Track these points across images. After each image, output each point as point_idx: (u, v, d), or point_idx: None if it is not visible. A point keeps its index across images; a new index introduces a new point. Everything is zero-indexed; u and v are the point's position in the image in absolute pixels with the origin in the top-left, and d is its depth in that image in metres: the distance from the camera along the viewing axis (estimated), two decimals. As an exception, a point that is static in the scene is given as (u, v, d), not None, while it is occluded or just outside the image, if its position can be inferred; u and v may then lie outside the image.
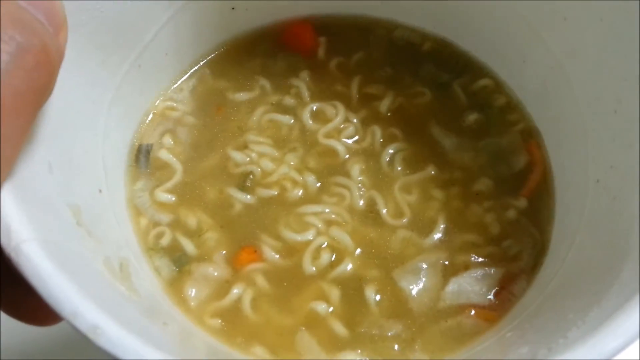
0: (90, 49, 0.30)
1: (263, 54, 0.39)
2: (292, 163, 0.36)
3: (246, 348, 0.31)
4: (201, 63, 0.38)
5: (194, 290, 0.32)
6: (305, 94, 0.37)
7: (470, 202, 0.35)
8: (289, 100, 0.37)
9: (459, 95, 0.38)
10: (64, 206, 0.25)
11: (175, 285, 0.32)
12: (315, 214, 0.34)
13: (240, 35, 0.39)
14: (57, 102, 0.26)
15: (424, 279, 0.33)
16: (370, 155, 0.36)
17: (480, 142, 0.37)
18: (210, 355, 0.29)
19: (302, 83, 0.38)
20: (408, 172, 0.36)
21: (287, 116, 0.37)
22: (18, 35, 0.19)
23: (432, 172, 0.35)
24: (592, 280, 0.27)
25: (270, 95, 0.38)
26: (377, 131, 0.36)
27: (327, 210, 0.34)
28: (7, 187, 0.21)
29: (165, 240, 0.33)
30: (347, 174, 0.35)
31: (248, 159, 0.36)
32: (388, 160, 0.36)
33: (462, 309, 0.32)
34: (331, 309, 0.32)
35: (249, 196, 0.35)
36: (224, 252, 0.33)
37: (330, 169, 0.36)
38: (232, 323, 0.31)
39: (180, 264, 0.33)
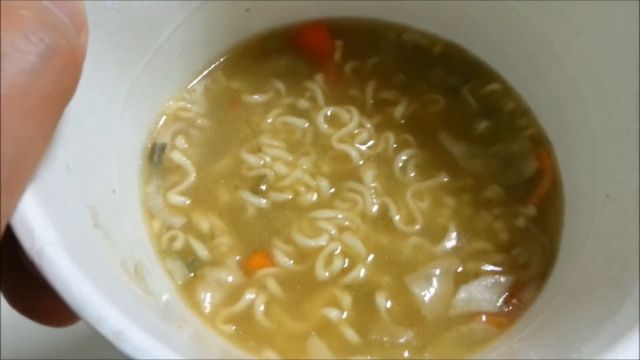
0: (107, 49, 0.30)
1: (277, 56, 0.38)
2: (305, 167, 0.35)
3: (258, 352, 0.31)
4: (215, 64, 0.38)
5: (207, 294, 0.32)
6: (320, 97, 0.37)
7: (481, 209, 0.35)
8: (303, 104, 0.37)
9: (470, 101, 0.38)
10: (82, 208, 0.25)
11: (189, 288, 0.32)
12: (328, 219, 0.34)
13: (254, 37, 0.38)
14: (75, 103, 0.26)
15: (436, 285, 0.33)
16: (383, 161, 0.36)
17: (490, 149, 0.37)
18: (223, 357, 0.29)
19: (316, 86, 0.38)
20: (420, 178, 0.36)
21: (302, 119, 0.37)
22: (46, 37, 0.19)
23: (445, 179, 0.36)
24: (604, 294, 0.27)
25: (285, 97, 0.37)
26: (391, 137, 0.36)
27: (340, 215, 0.34)
28: (29, 190, 0.21)
29: (178, 244, 0.33)
30: (360, 180, 0.35)
31: (262, 162, 0.35)
32: (401, 167, 0.36)
33: (472, 316, 0.32)
34: (344, 315, 0.32)
35: (263, 200, 0.34)
36: (238, 257, 0.33)
37: (344, 174, 0.36)
38: (245, 328, 0.31)
39: (193, 267, 0.33)
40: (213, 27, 0.36)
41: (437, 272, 0.33)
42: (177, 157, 0.35)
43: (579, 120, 0.34)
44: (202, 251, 0.33)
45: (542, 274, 0.34)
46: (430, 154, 0.36)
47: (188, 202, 0.34)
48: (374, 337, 0.31)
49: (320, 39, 0.38)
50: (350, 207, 0.35)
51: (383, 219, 0.35)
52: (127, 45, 0.31)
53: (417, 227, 0.34)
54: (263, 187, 0.35)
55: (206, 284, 0.32)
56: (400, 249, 0.34)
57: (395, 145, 0.36)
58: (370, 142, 0.36)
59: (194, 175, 0.35)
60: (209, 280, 0.32)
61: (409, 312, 0.32)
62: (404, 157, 0.36)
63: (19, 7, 0.19)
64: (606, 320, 0.24)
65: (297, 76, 0.38)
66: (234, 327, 0.31)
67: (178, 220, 0.34)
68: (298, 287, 0.33)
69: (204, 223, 0.34)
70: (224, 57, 0.38)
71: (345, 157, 0.36)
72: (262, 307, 0.32)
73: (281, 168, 0.35)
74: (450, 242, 0.34)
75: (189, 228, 0.34)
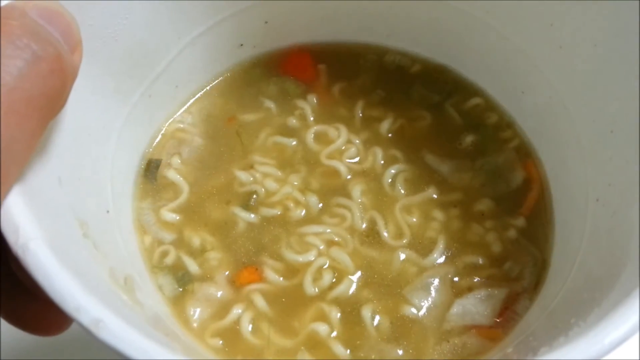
0: (103, 75, 0.31)
1: (267, 79, 0.40)
2: (295, 183, 0.36)
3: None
4: (209, 87, 0.39)
5: (197, 310, 0.32)
6: (309, 116, 0.38)
7: (471, 222, 0.35)
8: (293, 122, 0.38)
9: (454, 116, 0.38)
10: (71, 218, 0.26)
11: (178, 304, 0.32)
12: (317, 234, 0.34)
13: (245, 64, 0.40)
14: (70, 122, 0.27)
15: (434, 295, 0.33)
16: (371, 176, 0.37)
17: (477, 162, 0.37)
18: None
19: (307, 105, 0.39)
20: (409, 193, 0.36)
21: (291, 139, 0.38)
22: (33, 44, 0.20)
23: (434, 195, 0.36)
24: (595, 290, 0.26)
25: (276, 117, 0.39)
26: (379, 152, 0.37)
27: (328, 230, 0.35)
28: (16, 190, 0.22)
29: (169, 259, 0.34)
30: (348, 195, 0.36)
31: (252, 178, 0.36)
32: (390, 182, 0.36)
33: (466, 329, 0.32)
34: (334, 333, 0.32)
35: (252, 215, 0.35)
36: (227, 272, 0.34)
37: (332, 189, 0.36)
38: (232, 343, 0.31)
39: (183, 282, 0.33)
40: (208, 60, 0.38)
41: (435, 281, 0.33)
42: (171, 175, 0.36)
43: (564, 129, 0.34)
44: (192, 267, 0.34)
45: (535, 285, 0.33)
46: (419, 168, 0.37)
47: (181, 218, 0.35)
48: (362, 354, 0.31)
49: (304, 65, 0.40)
50: (339, 222, 0.35)
51: (371, 234, 0.35)
52: (123, 73, 0.33)
53: (405, 240, 0.34)
54: (252, 203, 0.36)
55: (196, 300, 0.33)
56: (389, 263, 0.34)
57: (382, 162, 0.37)
58: (358, 158, 0.37)
59: (187, 192, 0.36)
60: (199, 296, 0.33)
61: (399, 328, 0.32)
62: (392, 171, 0.36)
63: (8, 18, 0.20)
64: (594, 307, 0.24)
65: (288, 95, 0.39)
66: (220, 342, 0.31)
67: (169, 236, 0.35)
68: (287, 303, 0.33)
69: (195, 239, 0.34)
70: (218, 80, 0.40)
71: (334, 173, 0.37)
72: (249, 322, 0.32)
73: (271, 184, 0.36)
74: (440, 256, 0.34)
75: (180, 243, 0.34)
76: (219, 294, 0.33)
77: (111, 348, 0.20)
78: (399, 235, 0.35)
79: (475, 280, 0.33)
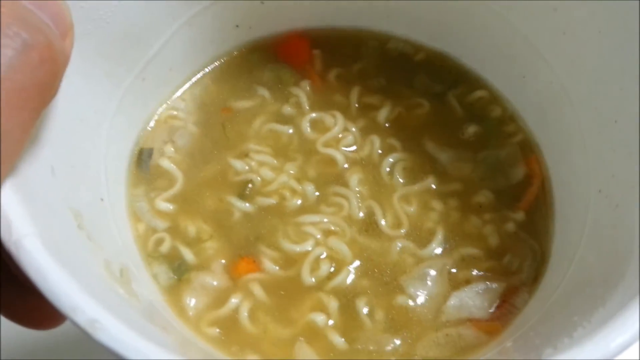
0: (95, 58, 0.30)
1: (263, 65, 0.39)
2: (291, 172, 0.36)
3: (242, 357, 0.30)
4: (203, 73, 0.39)
5: (193, 300, 0.32)
6: (305, 103, 0.38)
7: (470, 214, 0.35)
8: (288, 109, 0.38)
9: (455, 106, 0.38)
10: (65, 209, 0.25)
11: (174, 293, 0.32)
12: (314, 223, 0.34)
13: (241, 49, 0.39)
14: (61, 109, 0.27)
15: (430, 286, 0.32)
16: (368, 165, 0.36)
17: (478, 154, 0.37)
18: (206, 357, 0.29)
19: (302, 92, 0.38)
20: (408, 182, 0.36)
21: (287, 126, 0.37)
22: (23, 32, 0.19)
23: (433, 185, 0.35)
24: (596, 285, 0.27)
25: (270, 104, 0.38)
26: (376, 141, 0.36)
27: (325, 220, 0.34)
28: (9, 183, 0.21)
29: (164, 248, 0.33)
30: (345, 184, 0.35)
31: (247, 167, 0.36)
32: (388, 171, 0.36)
33: (462, 322, 0.32)
34: (330, 321, 0.31)
35: (248, 205, 0.35)
36: (223, 261, 0.33)
37: (329, 178, 0.36)
38: (229, 332, 0.31)
39: (179, 272, 0.33)
40: (203, 42, 0.37)
41: (432, 272, 0.33)
42: (165, 163, 0.36)
43: (567, 119, 0.34)
44: (188, 256, 0.33)
45: (534, 278, 0.33)
46: (418, 157, 0.36)
47: (175, 207, 0.35)
48: (359, 346, 0.31)
49: (299, 50, 0.39)
50: (336, 212, 0.35)
51: (369, 223, 0.34)
52: (116, 56, 0.32)
53: (403, 230, 0.34)
54: (248, 192, 0.35)
55: (192, 289, 0.32)
56: (387, 252, 0.33)
57: (380, 151, 0.36)
58: (355, 146, 0.37)
59: (182, 181, 0.35)
60: (195, 285, 0.32)
61: (396, 318, 0.32)
62: (391, 160, 0.36)
63: None
64: (598, 307, 0.23)
65: (282, 83, 0.38)
66: (218, 330, 0.31)
67: (162, 224, 0.34)
68: (284, 293, 0.32)
69: (191, 228, 0.34)
70: (212, 65, 0.39)
71: (331, 161, 0.36)
72: (246, 312, 0.31)
73: (267, 173, 0.35)
74: (438, 246, 0.34)
75: (176, 232, 0.34)
76: (215, 283, 0.33)
77: (107, 349, 0.20)
78: (397, 225, 0.34)
79: (474, 272, 0.33)
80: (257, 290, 0.32)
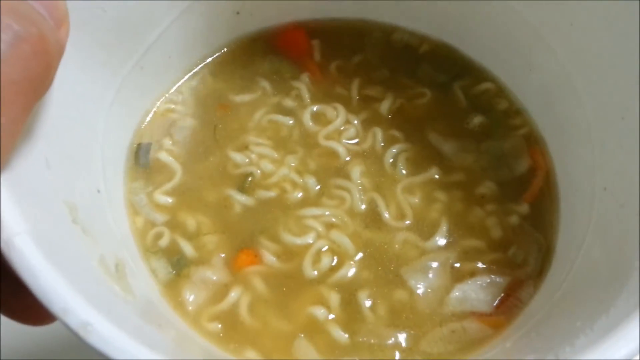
0: (92, 47, 0.30)
1: (263, 56, 0.38)
2: (292, 165, 0.35)
3: (241, 352, 0.30)
4: (202, 65, 0.38)
5: (192, 295, 0.31)
6: (306, 95, 0.37)
7: (473, 205, 0.34)
8: (289, 102, 0.37)
9: (459, 97, 0.37)
10: (60, 203, 0.25)
11: (173, 288, 0.32)
12: (315, 216, 0.34)
13: (241, 38, 0.39)
14: (57, 99, 0.26)
15: (432, 278, 0.32)
16: (371, 157, 0.36)
17: (482, 145, 0.36)
18: (205, 357, 0.29)
19: (302, 85, 0.37)
20: (411, 173, 0.35)
21: (288, 117, 0.37)
22: (15, 24, 0.19)
23: (436, 175, 0.35)
24: (600, 288, 0.26)
25: (271, 96, 0.37)
26: (378, 133, 0.36)
27: (327, 213, 0.34)
28: (1, 179, 0.21)
29: (163, 242, 0.33)
30: (347, 176, 0.35)
31: (247, 160, 0.35)
32: (391, 162, 0.35)
33: (465, 316, 0.31)
34: (331, 315, 0.31)
35: (248, 198, 0.34)
36: (223, 255, 0.33)
37: (331, 171, 0.35)
38: (230, 327, 0.31)
39: (178, 267, 0.32)
40: (202, 30, 0.37)
41: (434, 265, 0.32)
42: (164, 157, 0.35)
43: (574, 114, 0.33)
44: (188, 250, 0.33)
45: (540, 272, 0.33)
46: (421, 148, 0.36)
47: (174, 201, 0.34)
48: (361, 339, 0.31)
49: (297, 41, 0.38)
50: (338, 204, 0.34)
51: (372, 215, 0.34)
52: (114, 45, 0.31)
53: (407, 222, 0.34)
54: (248, 185, 0.35)
55: (192, 284, 0.32)
56: (390, 245, 0.33)
57: (383, 143, 0.36)
58: (357, 139, 0.36)
59: (180, 174, 0.35)
60: (195, 280, 0.32)
61: (399, 312, 0.31)
62: (394, 150, 0.35)
63: None
64: (601, 313, 0.23)
65: (282, 76, 0.38)
66: (219, 325, 0.31)
67: (160, 217, 0.34)
68: (285, 286, 0.32)
69: (191, 221, 0.33)
70: (211, 58, 0.38)
71: (332, 154, 0.36)
72: (246, 305, 0.31)
73: (267, 166, 0.35)
74: (442, 238, 0.33)
75: (175, 226, 0.33)
76: (215, 277, 0.32)
77: (99, 352, 0.19)
78: (401, 216, 0.34)
79: (478, 265, 0.33)
80: (258, 283, 0.32)
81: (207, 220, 0.34)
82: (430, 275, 0.32)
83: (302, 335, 0.31)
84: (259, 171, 0.35)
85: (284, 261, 0.33)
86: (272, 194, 0.34)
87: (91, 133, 0.31)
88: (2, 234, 0.20)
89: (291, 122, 0.36)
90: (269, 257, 0.32)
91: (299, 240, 0.33)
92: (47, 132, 0.25)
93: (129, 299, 0.26)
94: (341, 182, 0.35)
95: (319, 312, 0.31)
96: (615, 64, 0.30)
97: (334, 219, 0.34)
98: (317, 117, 0.37)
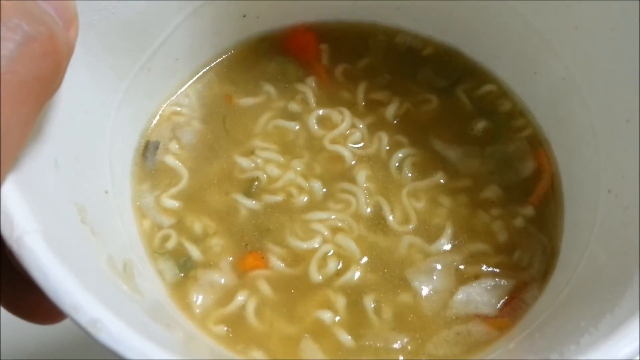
0: (100, 49, 0.30)
1: (269, 60, 0.39)
2: (298, 169, 0.35)
3: (248, 354, 0.30)
4: (207, 68, 0.38)
5: (199, 297, 0.32)
6: (311, 99, 0.37)
7: (478, 210, 0.34)
8: (294, 106, 0.37)
9: (464, 101, 0.37)
10: (68, 203, 0.25)
11: (180, 289, 0.32)
12: (321, 220, 0.34)
13: (248, 41, 0.39)
14: (66, 101, 0.26)
15: (436, 281, 0.32)
16: (376, 161, 0.36)
17: (487, 149, 0.36)
18: (213, 357, 0.29)
19: (308, 89, 0.38)
20: (416, 178, 0.35)
21: (293, 122, 0.37)
22: (25, 24, 0.19)
23: (442, 181, 0.35)
24: (605, 288, 0.26)
25: (276, 101, 0.38)
26: (384, 137, 0.36)
27: (332, 217, 0.34)
28: (11, 179, 0.21)
29: (170, 244, 0.33)
30: (353, 180, 0.35)
31: (254, 164, 0.35)
32: (397, 166, 0.35)
33: (470, 318, 0.31)
34: (337, 318, 0.31)
35: (254, 202, 0.34)
36: (230, 258, 0.33)
37: (336, 175, 0.35)
38: (236, 329, 0.31)
39: (185, 269, 0.32)
40: (209, 32, 0.37)
41: (439, 267, 0.32)
42: (170, 160, 0.35)
43: (579, 117, 0.33)
44: (195, 253, 0.33)
45: (544, 274, 0.33)
46: (427, 153, 0.36)
47: (181, 204, 0.34)
48: (367, 343, 0.31)
49: (306, 44, 0.39)
50: (344, 208, 0.34)
51: (377, 219, 0.34)
52: (121, 47, 0.31)
53: (412, 226, 0.34)
54: (254, 190, 0.35)
55: (199, 287, 0.32)
56: (395, 248, 0.33)
57: (388, 147, 0.36)
58: (363, 143, 0.36)
59: (187, 178, 0.35)
60: (202, 282, 0.32)
61: (404, 315, 0.32)
62: (400, 155, 0.36)
63: None
64: (606, 312, 0.23)
65: (288, 79, 0.38)
66: (225, 328, 0.31)
67: (167, 220, 0.34)
68: (291, 290, 0.32)
69: (197, 225, 0.34)
70: (216, 61, 0.38)
71: (338, 158, 0.36)
72: (253, 309, 0.31)
73: (274, 170, 0.35)
74: (447, 242, 0.33)
75: (182, 229, 0.34)
76: (223, 280, 0.32)
77: (109, 349, 0.20)
78: (405, 220, 0.34)
79: (483, 268, 0.33)
80: (264, 287, 0.32)
81: (214, 224, 0.34)
82: (435, 278, 0.32)
83: (308, 336, 0.31)
84: (265, 176, 0.35)
85: (290, 265, 0.33)
86: (278, 198, 0.34)
87: (99, 135, 0.31)
88: (13, 232, 0.20)
89: (297, 127, 0.37)
90: (276, 261, 0.33)
91: (305, 245, 0.33)
92: (56, 133, 0.25)
93: (138, 299, 0.26)
94: (347, 186, 0.35)
95: (325, 315, 0.31)
96: (620, 67, 0.30)
97: (339, 223, 0.34)
98: (322, 121, 0.37)
